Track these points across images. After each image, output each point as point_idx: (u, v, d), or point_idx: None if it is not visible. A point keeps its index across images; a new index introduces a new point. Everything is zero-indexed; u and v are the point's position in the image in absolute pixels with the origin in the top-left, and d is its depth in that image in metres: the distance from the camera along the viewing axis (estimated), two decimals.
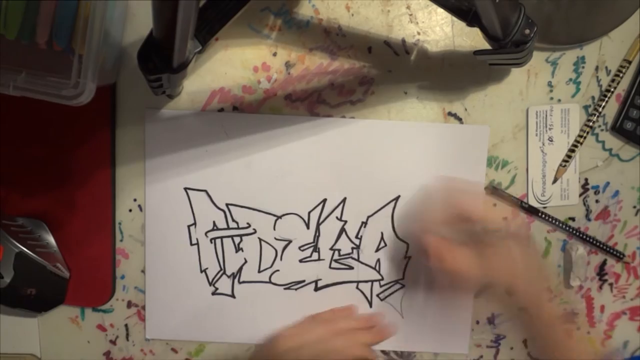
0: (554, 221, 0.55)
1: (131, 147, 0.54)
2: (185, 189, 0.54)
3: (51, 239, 0.54)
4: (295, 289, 0.56)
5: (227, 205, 0.55)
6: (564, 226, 0.55)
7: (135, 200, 0.55)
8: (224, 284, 0.56)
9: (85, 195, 0.54)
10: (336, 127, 0.54)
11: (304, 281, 0.56)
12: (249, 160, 0.54)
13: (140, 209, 0.55)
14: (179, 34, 0.36)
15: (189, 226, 0.55)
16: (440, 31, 0.53)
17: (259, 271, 0.55)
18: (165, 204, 0.54)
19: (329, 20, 0.53)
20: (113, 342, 0.57)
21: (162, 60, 0.41)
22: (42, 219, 0.54)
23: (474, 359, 0.57)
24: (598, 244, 0.55)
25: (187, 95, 0.54)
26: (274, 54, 0.53)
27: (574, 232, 0.55)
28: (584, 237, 0.55)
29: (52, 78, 0.44)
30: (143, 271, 0.56)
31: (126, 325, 0.57)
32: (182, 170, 0.54)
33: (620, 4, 0.52)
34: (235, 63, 0.53)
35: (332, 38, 0.53)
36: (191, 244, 0.55)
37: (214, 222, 0.55)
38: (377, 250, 0.55)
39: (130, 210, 0.55)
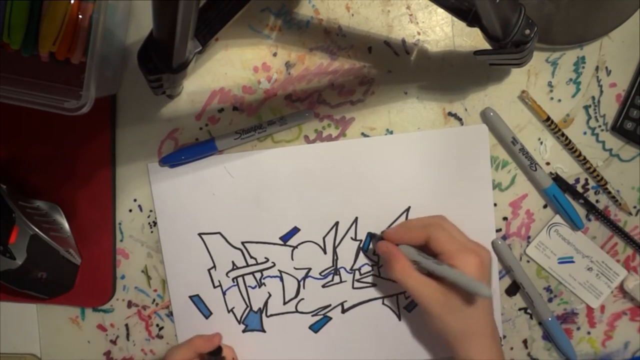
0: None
1: (131, 147, 0.54)
2: (200, 234, 0.55)
3: (65, 224, 0.54)
4: (323, 315, 0.56)
5: (242, 243, 0.55)
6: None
7: (135, 200, 0.55)
8: (253, 320, 0.56)
9: (85, 195, 0.54)
10: (336, 149, 0.54)
11: (330, 305, 0.56)
12: (256, 196, 0.54)
13: (141, 209, 0.55)
14: (179, 34, 0.36)
15: (209, 270, 0.55)
16: (441, 31, 0.53)
17: (285, 302, 0.56)
18: (182, 252, 0.55)
19: (329, 20, 0.53)
20: (113, 342, 0.57)
21: (162, 61, 0.41)
22: (57, 203, 0.54)
23: None
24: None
25: (187, 95, 0.54)
26: (274, 54, 0.53)
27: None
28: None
29: (54, 90, 0.45)
30: (143, 271, 0.56)
31: (126, 325, 0.57)
32: (193, 217, 0.54)
33: (620, 4, 0.52)
34: (235, 63, 0.53)
35: (332, 38, 0.53)
36: (214, 287, 0.55)
37: (232, 262, 0.55)
38: None
39: (130, 211, 0.55)
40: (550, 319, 0.55)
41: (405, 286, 0.48)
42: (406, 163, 0.54)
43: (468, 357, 0.48)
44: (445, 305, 0.47)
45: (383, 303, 0.56)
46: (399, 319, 0.56)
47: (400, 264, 0.49)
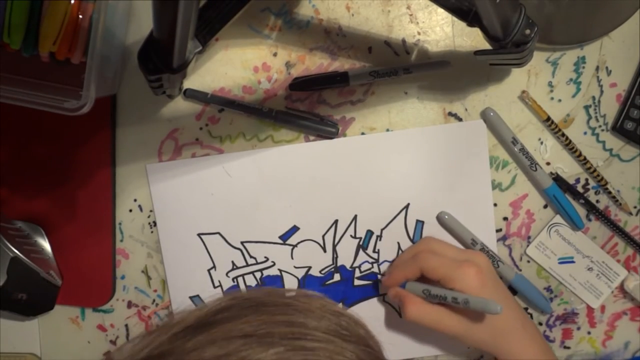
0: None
1: (131, 147, 0.54)
2: (199, 234, 0.55)
3: (47, 246, 0.54)
4: None
5: (242, 243, 0.55)
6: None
7: (135, 200, 0.55)
8: None
9: (86, 195, 0.54)
10: (333, 147, 0.54)
11: None
12: (255, 195, 0.54)
13: (141, 209, 0.55)
14: (179, 34, 0.36)
15: (209, 270, 0.55)
16: (441, 31, 0.53)
17: None
18: (182, 253, 0.55)
19: (329, 20, 0.53)
20: (113, 343, 0.57)
21: (162, 60, 0.41)
22: (40, 224, 0.54)
23: (475, 358, 0.57)
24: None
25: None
26: (275, 54, 0.53)
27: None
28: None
29: (54, 90, 0.44)
30: (143, 272, 0.56)
31: (126, 326, 0.57)
32: (192, 217, 0.54)
33: (620, 4, 0.52)
34: (236, 63, 0.53)
35: (333, 38, 0.53)
36: (214, 287, 0.55)
37: (232, 262, 0.55)
38: None
39: (130, 211, 0.55)
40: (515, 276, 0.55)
41: (422, 324, 0.49)
42: (404, 159, 0.54)
43: (510, 357, 0.48)
44: (468, 324, 0.48)
45: (384, 300, 0.56)
46: (400, 316, 0.56)
47: (411, 304, 0.49)
